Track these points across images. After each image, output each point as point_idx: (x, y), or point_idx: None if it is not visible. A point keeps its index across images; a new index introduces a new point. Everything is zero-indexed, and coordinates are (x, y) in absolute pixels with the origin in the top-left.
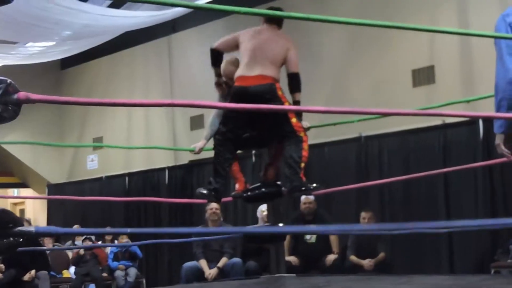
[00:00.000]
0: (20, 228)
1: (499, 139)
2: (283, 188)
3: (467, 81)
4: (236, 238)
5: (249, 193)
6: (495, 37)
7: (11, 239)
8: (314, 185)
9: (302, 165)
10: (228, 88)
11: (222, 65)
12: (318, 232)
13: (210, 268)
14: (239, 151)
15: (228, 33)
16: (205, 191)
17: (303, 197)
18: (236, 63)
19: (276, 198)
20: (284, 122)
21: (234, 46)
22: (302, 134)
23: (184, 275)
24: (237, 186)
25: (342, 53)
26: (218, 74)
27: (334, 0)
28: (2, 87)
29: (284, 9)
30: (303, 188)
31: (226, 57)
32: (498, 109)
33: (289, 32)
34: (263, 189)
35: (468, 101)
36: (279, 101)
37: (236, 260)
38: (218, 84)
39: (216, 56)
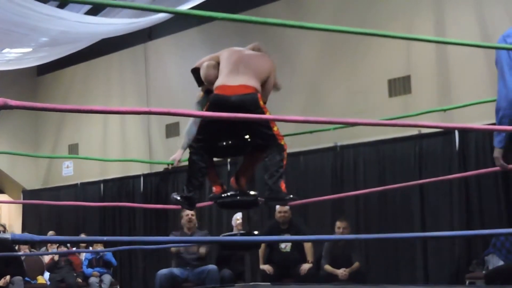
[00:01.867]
0: None
1: (498, 153)
2: (259, 198)
3: (443, 91)
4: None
5: (224, 199)
6: (471, 46)
7: None
8: (291, 196)
9: (282, 173)
10: (208, 92)
11: (203, 70)
12: (292, 241)
13: (183, 274)
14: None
15: (203, 41)
16: (179, 198)
17: (278, 206)
18: (217, 67)
19: (252, 208)
20: (266, 131)
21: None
22: (283, 142)
23: (159, 282)
24: (214, 189)
25: (317, 62)
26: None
27: (310, 9)
28: None
29: (258, 16)
30: (281, 199)
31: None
32: (499, 125)
33: (265, 41)
34: (239, 197)
35: (444, 110)
36: (261, 111)
37: (212, 267)
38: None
39: (198, 76)
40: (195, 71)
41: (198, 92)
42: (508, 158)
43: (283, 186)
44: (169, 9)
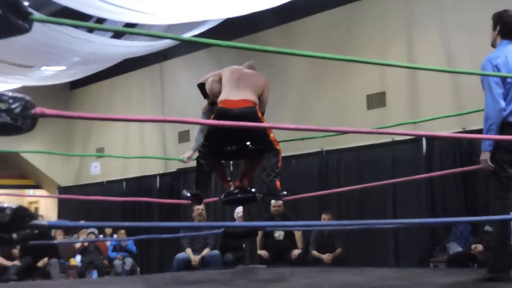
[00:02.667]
0: (35, 221)
1: (486, 156)
2: (257, 194)
3: (413, 105)
4: (217, 234)
5: (229, 197)
6: (438, 71)
7: (28, 231)
8: (284, 192)
9: (278, 173)
10: (213, 104)
11: (208, 85)
12: (284, 228)
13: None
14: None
15: (210, 61)
16: (189, 195)
17: (273, 201)
18: (220, 82)
19: (251, 203)
20: (264, 137)
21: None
22: (278, 147)
23: (176, 265)
24: (226, 186)
25: (306, 80)
26: (210, 103)
27: (298, 35)
28: (21, 103)
29: (256, 41)
30: (276, 194)
31: (210, 78)
32: (487, 133)
33: (261, 61)
34: (240, 195)
35: (415, 123)
36: (259, 121)
37: (215, 252)
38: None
39: (203, 89)
40: (201, 85)
41: (203, 104)
42: (493, 160)
43: (278, 184)
44: (183, 38)
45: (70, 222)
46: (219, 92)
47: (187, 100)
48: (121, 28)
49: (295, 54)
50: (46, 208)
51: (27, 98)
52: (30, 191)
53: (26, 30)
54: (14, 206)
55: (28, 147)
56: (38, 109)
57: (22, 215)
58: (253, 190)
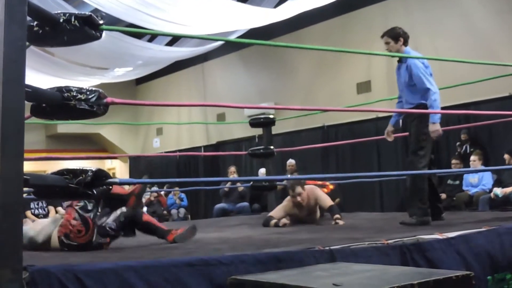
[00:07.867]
0: (110, 179)
1: (438, 126)
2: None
3: (391, 90)
4: (247, 188)
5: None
6: (409, 57)
7: (105, 186)
8: None
9: None
10: None
11: None
12: (299, 179)
13: (230, 208)
14: None
15: (239, 61)
16: None
17: (288, 162)
18: None
19: (271, 157)
20: None
21: None
22: None
23: (215, 212)
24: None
25: (311, 72)
26: None
27: (305, 39)
28: (96, 94)
29: (269, 38)
30: None
31: None
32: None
33: (274, 58)
34: (262, 151)
35: (391, 99)
36: None
37: (246, 204)
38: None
39: None
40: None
41: None
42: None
43: None
44: (219, 38)
45: (135, 180)
46: None
47: (221, 91)
48: (173, 33)
49: (302, 48)
50: (121, 173)
51: (100, 90)
52: (109, 161)
53: (97, 38)
54: (94, 169)
55: (105, 129)
56: (109, 99)
57: (101, 175)
58: (271, 147)
